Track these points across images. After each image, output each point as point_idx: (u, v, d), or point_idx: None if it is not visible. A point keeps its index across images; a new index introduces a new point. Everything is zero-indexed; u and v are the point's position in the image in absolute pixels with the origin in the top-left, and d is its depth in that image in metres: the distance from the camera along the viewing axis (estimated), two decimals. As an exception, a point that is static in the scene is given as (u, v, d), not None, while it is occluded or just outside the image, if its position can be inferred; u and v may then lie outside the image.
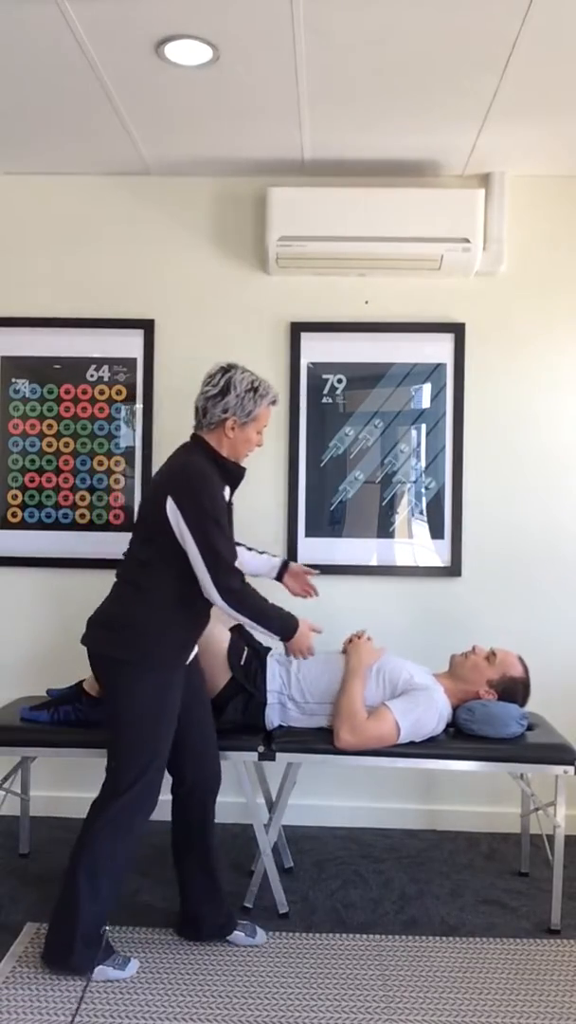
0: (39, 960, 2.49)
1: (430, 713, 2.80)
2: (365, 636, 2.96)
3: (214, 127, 3.18)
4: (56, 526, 3.64)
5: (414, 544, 3.60)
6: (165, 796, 2.52)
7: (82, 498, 3.64)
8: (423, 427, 3.59)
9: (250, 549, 2.98)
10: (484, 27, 2.49)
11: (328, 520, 3.61)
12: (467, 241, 3.31)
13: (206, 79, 2.82)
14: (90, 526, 3.64)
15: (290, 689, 2.90)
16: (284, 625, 2.54)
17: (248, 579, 2.52)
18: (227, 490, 2.58)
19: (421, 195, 3.31)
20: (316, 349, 3.59)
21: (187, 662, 2.58)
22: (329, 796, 3.61)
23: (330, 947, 2.65)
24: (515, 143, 3.27)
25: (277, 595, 2.74)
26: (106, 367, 3.64)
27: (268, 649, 3.03)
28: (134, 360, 3.63)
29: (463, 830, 3.58)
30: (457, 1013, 2.33)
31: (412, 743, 2.78)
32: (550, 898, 2.79)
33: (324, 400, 3.58)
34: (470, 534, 3.58)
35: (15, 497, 3.65)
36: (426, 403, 3.59)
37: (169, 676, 2.48)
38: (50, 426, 3.65)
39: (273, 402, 2.59)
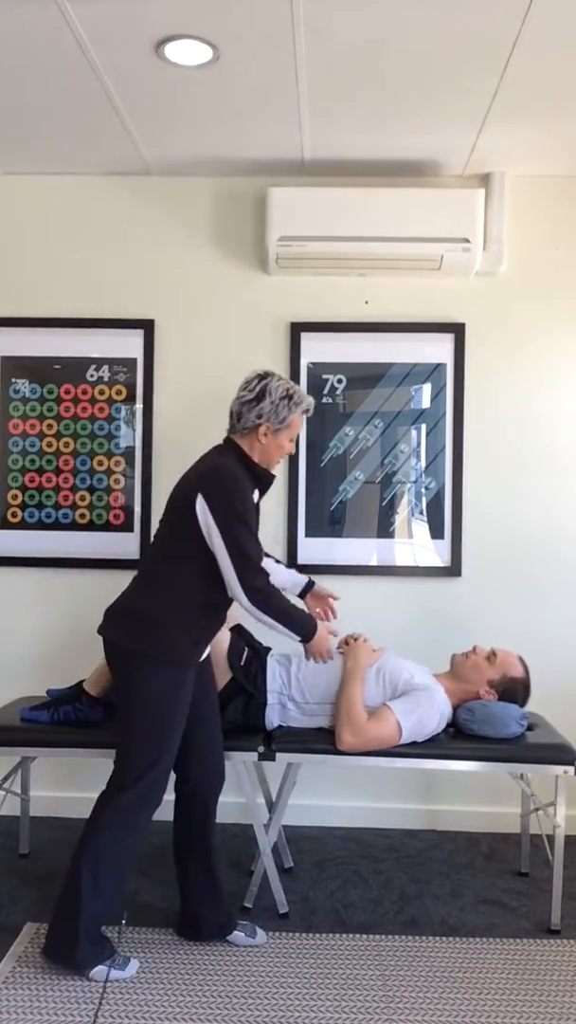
0: (40, 956, 2.49)
1: (432, 713, 2.80)
2: (362, 638, 2.96)
3: (214, 127, 3.18)
4: (56, 526, 3.64)
5: (414, 544, 3.60)
6: (167, 796, 2.52)
7: (82, 498, 3.64)
8: (423, 427, 3.59)
9: (278, 562, 3.01)
10: (484, 27, 2.49)
11: (328, 520, 3.61)
12: (467, 241, 3.31)
13: (206, 79, 2.82)
14: (90, 526, 3.64)
15: (290, 689, 2.91)
16: (305, 626, 2.56)
17: None
18: (256, 493, 2.61)
19: (421, 195, 3.31)
20: (316, 349, 3.59)
21: (200, 660, 2.60)
22: (329, 796, 3.61)
23: (330, 947, 2.65)
24: (515, 143, 3.27)
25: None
26: (106, 367, 3.64)
27: (268, 649, 3.03)
28: (134, 360, 3.63)
29: (463, 830, 3.58)
30: (457, 1013, 2.33)
31: (412, 743, 2.78)
32: (550, 898, 2.79)
33: (324, 400, 3.58)
34: (470, 534, 3.58)
35: (15, 497, 3.65)
36: (426, 403, 3.59)
37: (183, 673, 2.49)
38: (50, 426, 3.65)
39: (306, 411, 2.63)
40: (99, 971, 2.43)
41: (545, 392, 3.58)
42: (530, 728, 2.96)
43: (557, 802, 2.75)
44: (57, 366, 3.65)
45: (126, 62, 2.73)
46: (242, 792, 2.87)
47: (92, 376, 3.64)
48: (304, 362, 3.59)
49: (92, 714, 2.86)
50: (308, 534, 3.59)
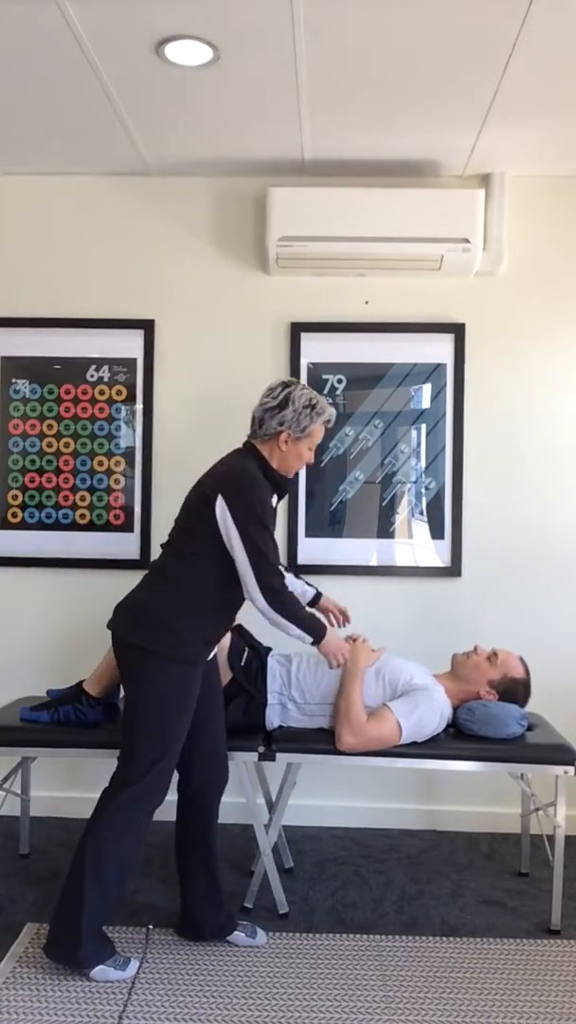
0: (42, 954, 2.49)
1: (432, 713, 2.80)
2: (360, 639, 2.96)
3: (214, 127, 3.18)
4: (56, 526, 3.64)
5: (414, 544, 3.60)
6: (169, 796, 2.52)
7: (82, 498, 3.64)
8: (423, 427, 3.59)
9: (287, 570, 3.01)
10: (484, 27, 2.49)
11: (328, 520, 3.61)
12: (467, 241, 3.31)
13: (206, 79, 2.82)
14: (90, 526, 3.64)
15: (290, 690, 2.91)
16: (316, 627, 2.59)
17: None
18: (274, 498, 2.63)
19: (421, 195, 3.31)
20: (316, 349, 3.59)
21: (207, 659, 2.61)
22: (329, 796, 3.61)
23: (330, 947, 2.65)
24: (515, 143, 3.27)
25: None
26: (106, 367, 3.64)
27: (268, 650, 3.03)
28: (134, 360, 3.63)
29: (463, 830, 3.58)
30: (457, 1013, 2.33)
31: (412, 743, 2.78)
32: (550, 898, 2.79)
33: (324, 400, 3.58)
34: (470, 534, 3.58)
35: (15, 497, 3.65)
36: (426, 403, 3.59)
37: (191, 671, 2.50)
38: (50, 426, 3.65)
39: (328, 421, 2.66)
40: (100, 971, 2.43)
41: (545, 392, 3.58)
42: (530, 728, 2.96)
43: (557, 802, 2.75)
44: (57, 366, 3.65)
45: (126, 62, 2.73)
46: (242, 792, 2.87)
47: (92, 376, 3.64)
48: (304, 362, 3.59)
49: (92, 714, 2.86)
50: (308, 534, 3.59)
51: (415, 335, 3.58)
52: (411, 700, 2.80)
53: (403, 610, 3.59)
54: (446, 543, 3.58)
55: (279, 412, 2.57)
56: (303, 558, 3.57)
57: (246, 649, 2.97)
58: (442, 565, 3.58)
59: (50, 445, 3.65)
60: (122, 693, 2.78)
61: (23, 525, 3.65)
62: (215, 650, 2.68)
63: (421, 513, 3.59)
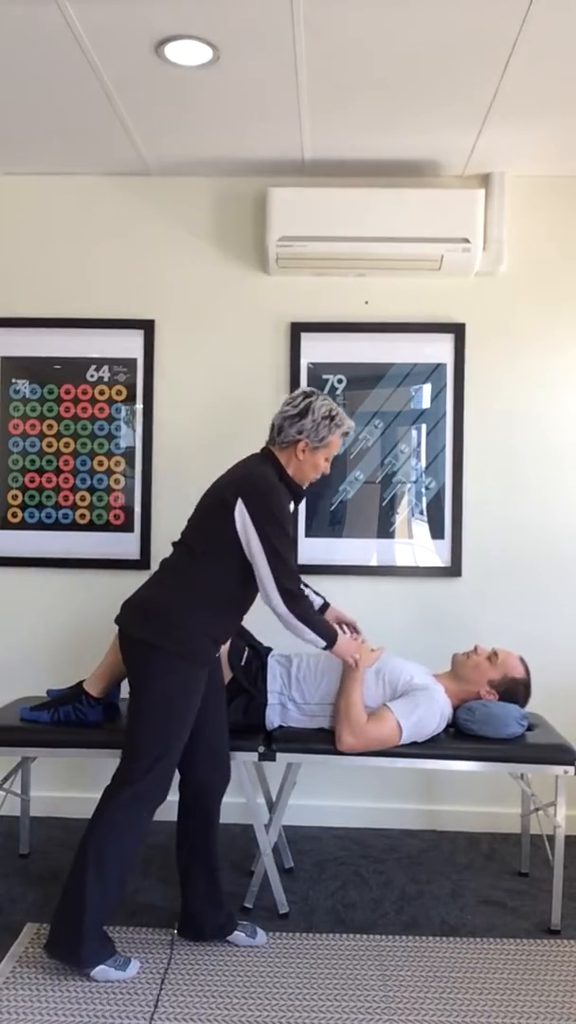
0: (43, 953, 2.49)
1: (432, 713, 2.80)
2: (360, 639, 2.96)
3: (214, 127, 3.18)
4: (56, 526, 3.64)
5: (414, 544, 3.60)
6: (171, 796, 2.52)
7: (82, 498, 3.64)
8: (423, 427, 3.59)
9: None
10: (484, 27, 2.49)
11: (328, 520, 3.61)
12: (467, 241, 3.31)
13: (206, 79, 2.82)
14: (90, 526, 3.64)
15: (291, 690, 2.91)
16: (329, 632, 2.62)
17: None
18: (291, 504, 2.66)
19: (421, 195, 3.31)
20: (316, 349, 3.59)
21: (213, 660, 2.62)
22: (329, 796, 3.61)
23: (330, 947, 2.65)
24: (515, 143, 3.27)
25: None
26: (106, 367, 3.64)
27: (269, 650, 3.03)
28: (134, 360, 3.63)
29: (463, 830, 3.58)
30: (457, 1013, 2.33)
31: (413, 743, 2.78)
32: (550, 898, 2.79)
33: (324, 400, 3.58)
34: (470, 534, 3.58)
35: (15, 497, 3.65)
36: (426, 403, 3.59)
37: (197, 671, 2.51)
38: (50, 426, 3.65)
39: (345, 433, 2.69)
40: (100, 971, 2.43)
41: (545, 392, 3.58)
42: (530, 728, 2.96)
43: (557, 802, 2.75)
44: (57, 366, 3.65)
45: (126, 62, 2.73)
46: (242, 792, 2.87)
47: (92, 376, 3.64)
48: (304, 362, 3.59)
49: (92, 714, 2.86)
50: (308, 534, 3.59)
51: (415, 335, 3.58)
52: (411, 700, 2.80)
53: (403, 610, 3.59)
54: (446, 543, 3.58)
55: (298, 421, 2.60)
56: (303, 558, 3.57)
57: (246, 649, 2.97)
58: (442, 565, 3.58)
59: (50, 445, 3.65)
60: (123, 693, 2.79)
61: (23, 525, 3.65)
62: (220, 651, 2.68)
63: (421, 513, 3.59)
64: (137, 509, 3.62)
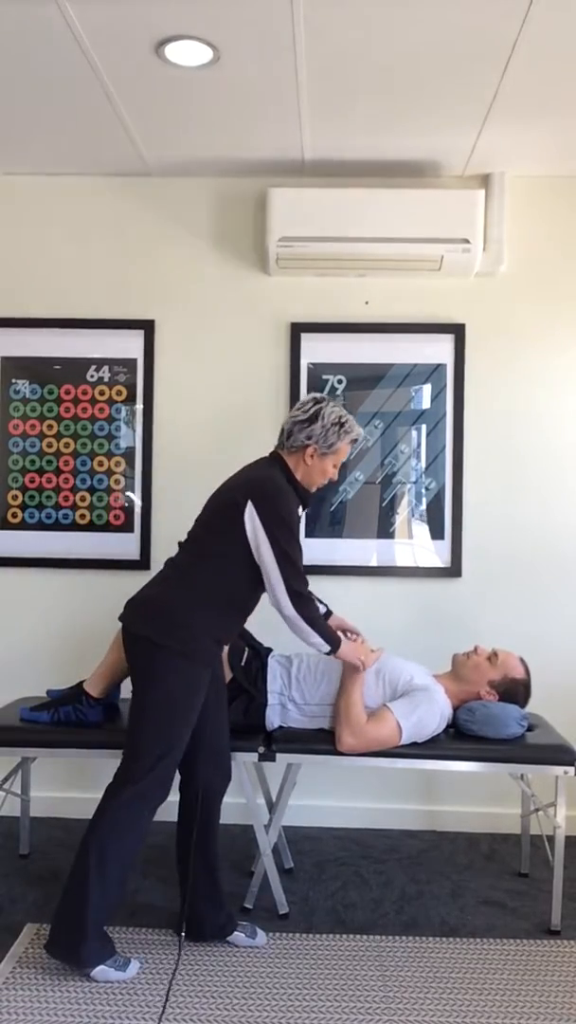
0: (44, 952, 2.49)
1: (432, 714, 2.80)
2: (360, 639, 2.96)
3: (214, 128, 3.18)
4: (56, 527, 3.64)
5: (414, 545, 3.60)
6: (172, 796, 2.52)
7: (82, 499, 3.64)
8: (423, 428, 3.59)
9: None
10: (484, 27, 2.49)
11: (328, 521, 3.61)
12: (467, 242, 3.31)
13: (206, 79, 2.83)
14: (90, 527, 3.64)
15: (291, 691, 2.91)
16: (333, 637, 2.62)
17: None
18: (300, 508, 2.68)
19: (421, 196, 3.31)
20: (316, 349, 3.59)
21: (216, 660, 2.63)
22: (329, 797, 3.61)
23: (330, 947, 2.65)
24: (515, 143, 3.27)
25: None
26: (106, 367, 3.64)
27: (269, 650, 3.03)
28: (134, 360, 3.63)
29: (463, 831, 3.58)
30: (457, 1013, 2.33)
31: (413, 743, 2.78)
32: (550, 899, 2.79)
33: (324, 400, 3.58)
34: (470, 534, 3.58)
35: (15, 497, 3.65)
36: (426, 404, 3.59)
37: (200, 671, 2.51)
38: (50, 426, 3.65)
39: (354, 440, 2.70)
40: (101, 971, 2.43)
41: (545, 392, 3.58)
42: (530, 728, 2.96)
43: (557, 803, 2.75)
44: (57, 366, 3.65)
45: (126, 63, 2.73)
46: (242, 792, 2.87)
47: (92, 376, 3.64)
48: (304, 362, 3.59)
49: (92, 715, 2.85)
50: (308, 535, 3.59)
51: (415, 335, 3.58)
52: (411, 700, 2.80)
53: (403, 610, 3.59)
54: (446, 543, 3.58)
55: (308, 426, 2.61)
56: (303, 559, 3.56)
57: (246, 649, 2.97)
58: (442, 565, 3.58)
59: (50, 445, 3.65)
60: (123, 693, 2.79)
61: (23, 525, 3.65)
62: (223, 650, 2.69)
63: (421, 513, 3.59)
64: (137, 509, 3.62)
